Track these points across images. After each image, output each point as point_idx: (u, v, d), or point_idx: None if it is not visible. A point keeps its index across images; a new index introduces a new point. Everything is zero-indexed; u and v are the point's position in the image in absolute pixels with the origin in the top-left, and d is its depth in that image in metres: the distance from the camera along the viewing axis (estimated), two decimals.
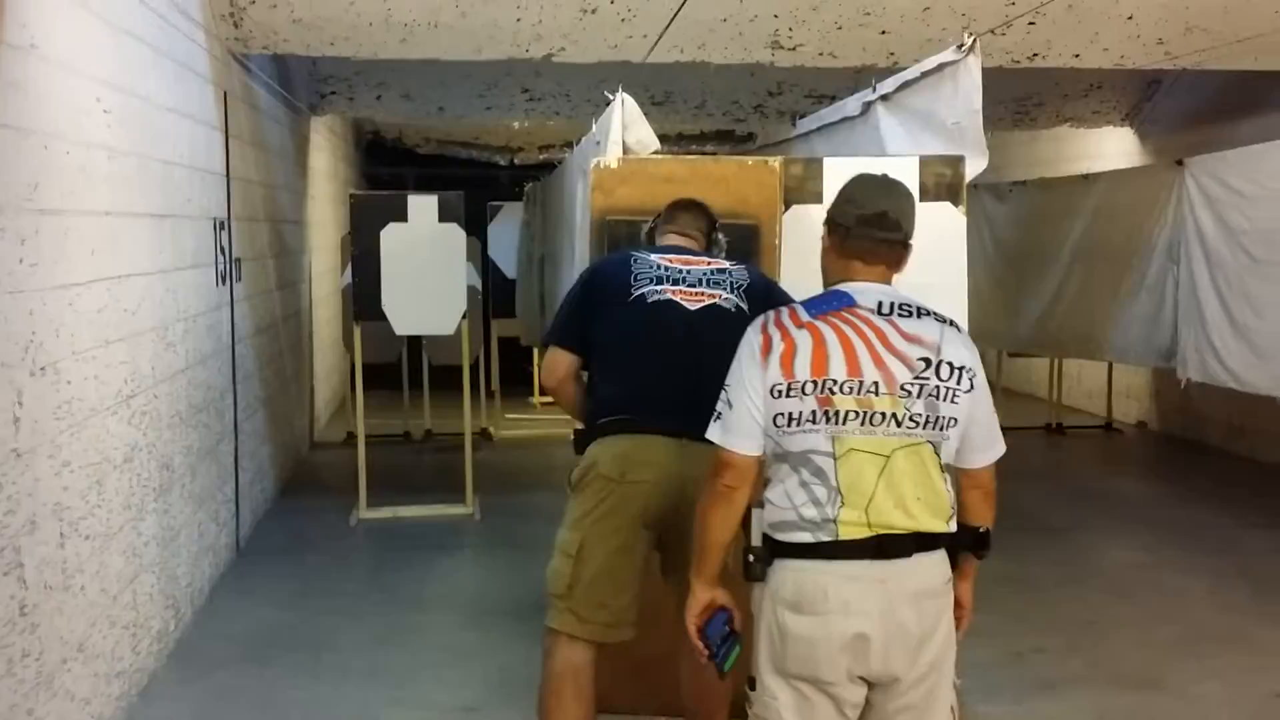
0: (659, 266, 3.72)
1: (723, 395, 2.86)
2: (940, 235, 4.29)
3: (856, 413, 2.70)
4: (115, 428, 4.47)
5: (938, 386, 2.74)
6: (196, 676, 5.03)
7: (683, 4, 6.11)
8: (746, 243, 4.32)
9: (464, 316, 7.68)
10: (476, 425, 9.17)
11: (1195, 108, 10.14)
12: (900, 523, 2.72)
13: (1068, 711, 4.73)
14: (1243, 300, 7.10)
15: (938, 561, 2.79)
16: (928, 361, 2.74)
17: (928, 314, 2.83)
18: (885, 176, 2.98)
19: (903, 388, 2.72)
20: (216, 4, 6.20)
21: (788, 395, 2.74)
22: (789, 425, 2.74)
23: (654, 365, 3.59)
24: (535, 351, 11.64)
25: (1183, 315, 7.69)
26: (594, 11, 6.26)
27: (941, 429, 2.75)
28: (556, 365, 3.81)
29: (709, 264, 3.78)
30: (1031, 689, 4.92)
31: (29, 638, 3.59)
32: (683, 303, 3.65)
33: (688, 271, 3.71)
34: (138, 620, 4.72)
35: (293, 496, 8.31)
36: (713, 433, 2.85)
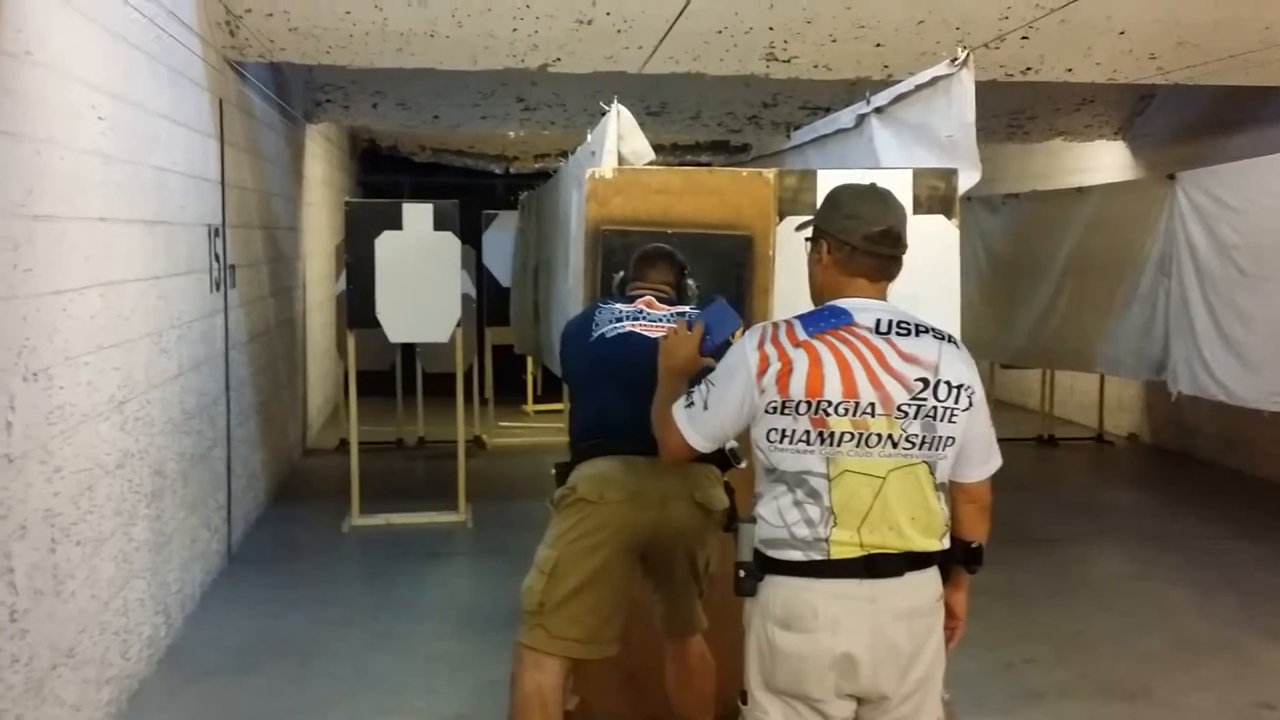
0: (620, 311, 3.80)
1: (702, 389, 2.85)
2: (933, 247, 4.31)
3: (852, 434, 2.67)
4: (107, 433, 4.47)
5: (935, 407, 2.71)
6: (187, 683, 5.02)
7: (678, 16, 6.14)
8: (740, 254, 4.34)
9: (458, 324, 7.69)
10: (469, 433, 9.17)
11: (1187, 122, 10.18)
12: (893, 543, 2.70)
13: None
14: (1233, 314, 7.12)
15: (929, 579, 2.78)
16: (925, 382, 2.71)
17: (926, 331, 2.78)
18: (875, 187, 2.90)
19: (899, 409, 2.68)
20: (213, 11, 6.21)
21: (781, 413, 2.71)
22: (780, 441, 2.72)
23: (622, 391, 3.61)
24: (529, 360, 11.67)
25: (1174, 328, 7.72)
26: (590, 23, 6.29)
27: (938, 449, 2.73)
28: None
29: (670, 310, 3.81)
30: (1020, 699, 4.94)
31: (19, 643, 3.59)
32: (643, 332, 3.70)
33: (649, 313, 3.78)
34: (128, 626, 4.72)
35: (285, 503, 8.31)
36: (678, 413, 2.89)
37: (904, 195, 4.32)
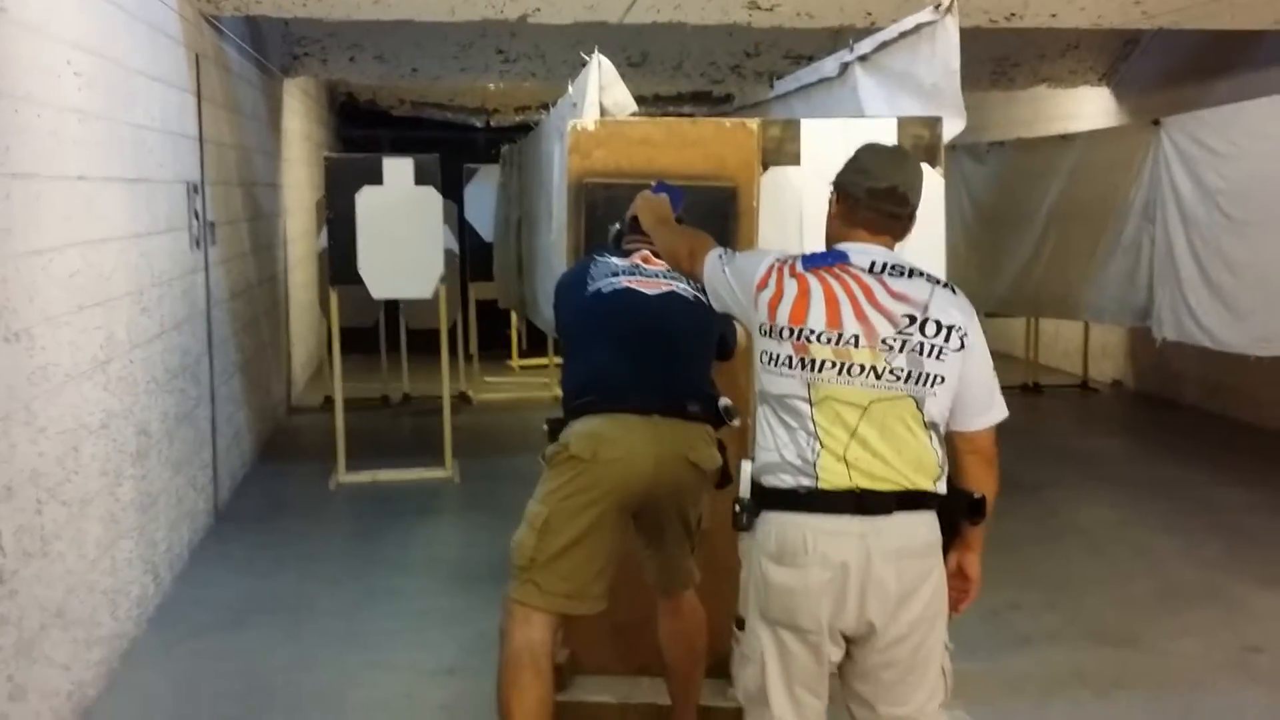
0: (616, 265, 3.77)
1: (730, 257, 3.07)
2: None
3: (833, 363, 2.77)
4: (91, 393, 4.45)
5: (921, 342, 2.78)
6: (177, 641, 5.03)
7: None
8: (724, 205, 4.31)
9: (441, 280, 7.66)
10: (455, 389, 9.15)
11: (1171, 67, 10.15)
12: (880, 473, 2.77)
13: (1043, 667, 4.78)
14: (1218, 259, 7.14)
15: (922, 522, 2.82)
16: (912, 318, 2.78)
17: (920, 275, 2.87)
18: (899, 148, 3.09)
19: (884, 342, 2.77)
20: None
21: (769, 336, 2.85)
22: (769, 364, 2.85)
23: (617, 348, 3.60)
24: (513, 314, 11.65)
25: (1158, 274, 7.73)
26: None
27: (925, 384, 2.78)
28: None
29: (666, 266, 3.74)
30: (1007, 645, 4.97)
31: (7, 604, 3.58)
32: (640, 289, 3.68)
33: (645, 268, 3.74)
34: (117, 586, 4.72)
35: (271, 461, 8.29)
36: (711, 259, 3.10)
37: (889, 143, 4.31)
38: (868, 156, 2.98)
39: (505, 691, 3.46)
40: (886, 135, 4.28)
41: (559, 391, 3.93)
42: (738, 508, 2.90)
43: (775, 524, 2.83)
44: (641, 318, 3.65)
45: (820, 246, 3.01)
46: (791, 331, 2.80)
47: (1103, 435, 9.62)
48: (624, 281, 3.71)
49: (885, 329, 2.77)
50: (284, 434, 9.24)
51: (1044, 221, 9.24)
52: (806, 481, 2.78)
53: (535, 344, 11.92)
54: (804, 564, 2.78)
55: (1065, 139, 9.43)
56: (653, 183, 3.87)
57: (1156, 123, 7.79)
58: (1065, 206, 8.99)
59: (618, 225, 3.95)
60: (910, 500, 2.79)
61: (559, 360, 5.09)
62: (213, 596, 5.57)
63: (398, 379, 10.53)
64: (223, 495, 6.95)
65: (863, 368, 2.77)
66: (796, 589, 2.79)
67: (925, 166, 4.41)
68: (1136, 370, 11.07)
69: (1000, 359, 10.40)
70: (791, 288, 2.83)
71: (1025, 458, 8.29)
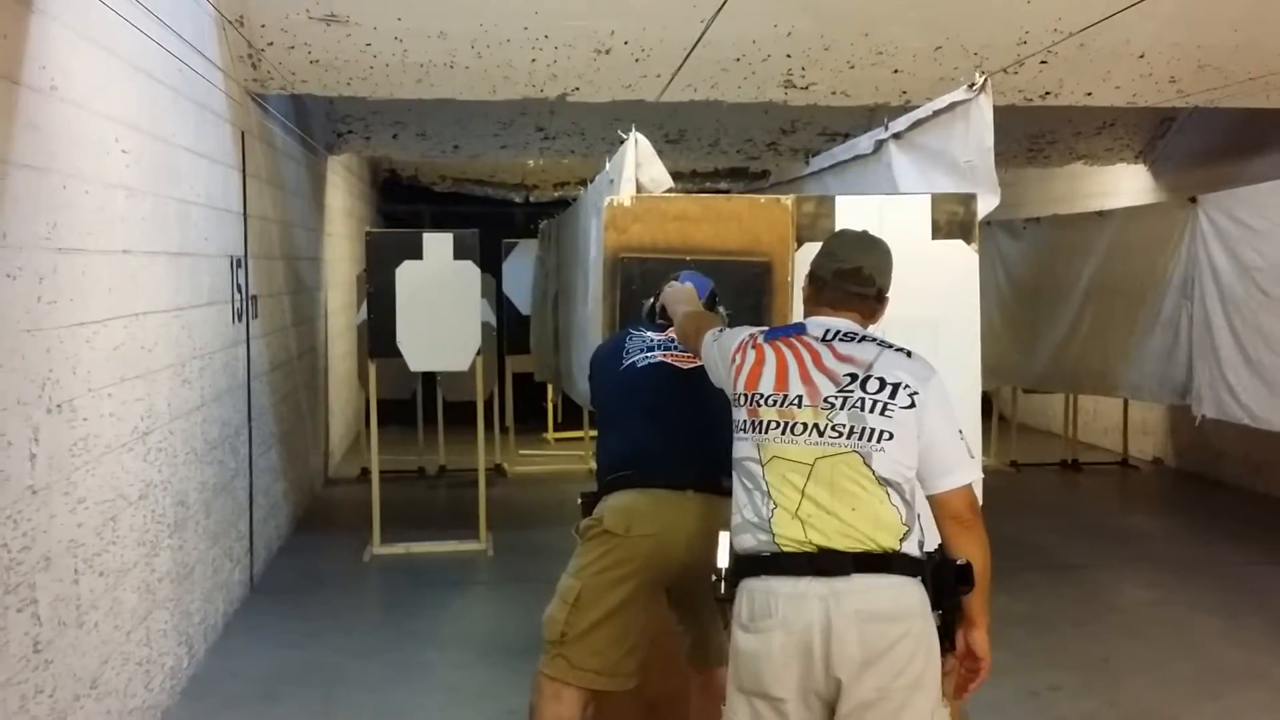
0: (651, 340, 3.81)
1: (719, 335, 3.25)
2: (952, 272, 4.31)
3: (778, 423, 2.89)
4: (130, 464, 4.49)
5: (862, 398, 2.86)
6: (209, 714, 5.03)
7: (695, 44, 6.16)
8: (759, 280, 4.33)
9: (478, 352, 7.71)
10: (490, 461, 9.17)
11: (1208, 145, 10.15)
12: (835, 530, 2.79)
13: None
14: (1256, 336, 7.08)
15: (890, 585, 2.80)
16: (854, 376, 2.89)
17: (873, 341, 2.98)
18: (866, 233, 3.17)
19: (825, 400, 2.87)
20: (235, 45, 6.27)
21: (735, 404, 3.02)
22: (735, 430, 3.01)
23: (652, 422, 3.63)
24: (549, 387, 11.68)
25: (1197, 351, 7.68)
26: (608, 52, 6.32)
27: (869, 439, 2.83)
28: None
29: None
30: None
31: (42, 674, 3.60)
32: (675, 364, 3.71)
33: (680, 344, 3.76)
34: (151, 657, 4.73)
35: (307, 532, 8.32)
36: (708, 338, 3.27)
37: (923, 220, 4.34)
38: (836, 242, 3.17)
39: None
40: (920, 212, 4.31)
41: (594, 465, 3.95)
42: (715, 577, 2.97)
43: (745, 590, 2.88)
44: (676, 392, 3.66)
45: None
46: (746, 398, 2.96)
47: (1143, 514, 9.50)
48: (659, 356, 3.73)
49: (827, 388, 2.88)
50: (320, 505, 9.28)
51: (1081, 298, 9.21)
52: (765, 537, 2.84)
53: (571, 417, 11.94)
54: (768, 629, 2.80)
55: (1102, 215, 9.42)
56: (678, 275, 4.00)
57: (1193, 200, 7.77)
58: (1102, 283, 8.96)
59: (652, 300, 3.99)
60: (872, 561, 2.79)
61: (594, 433, 5.11)
62: (245, 668, 5.57)
63: (434, 451, 10.56)
64: (258, 566, 6.97)
65: (805, 426, 2.86)
66: (762, 655, 2.80)
67: (960, 243, 4.46)
68: (1177, 447, 10.96)
69: (1039, 436, 10.31)
70: (751, 357, 3.00)
71: (1064, 536, 8.21)
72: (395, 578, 7.28)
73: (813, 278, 3.12)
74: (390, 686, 5.35)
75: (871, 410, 2.84)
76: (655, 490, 3.54)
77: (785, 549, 2.81)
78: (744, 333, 3.14)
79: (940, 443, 2.90)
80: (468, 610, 6.74)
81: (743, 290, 4.18)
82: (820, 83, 6.83)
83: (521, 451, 11.38)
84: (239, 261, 6.48)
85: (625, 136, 4.90)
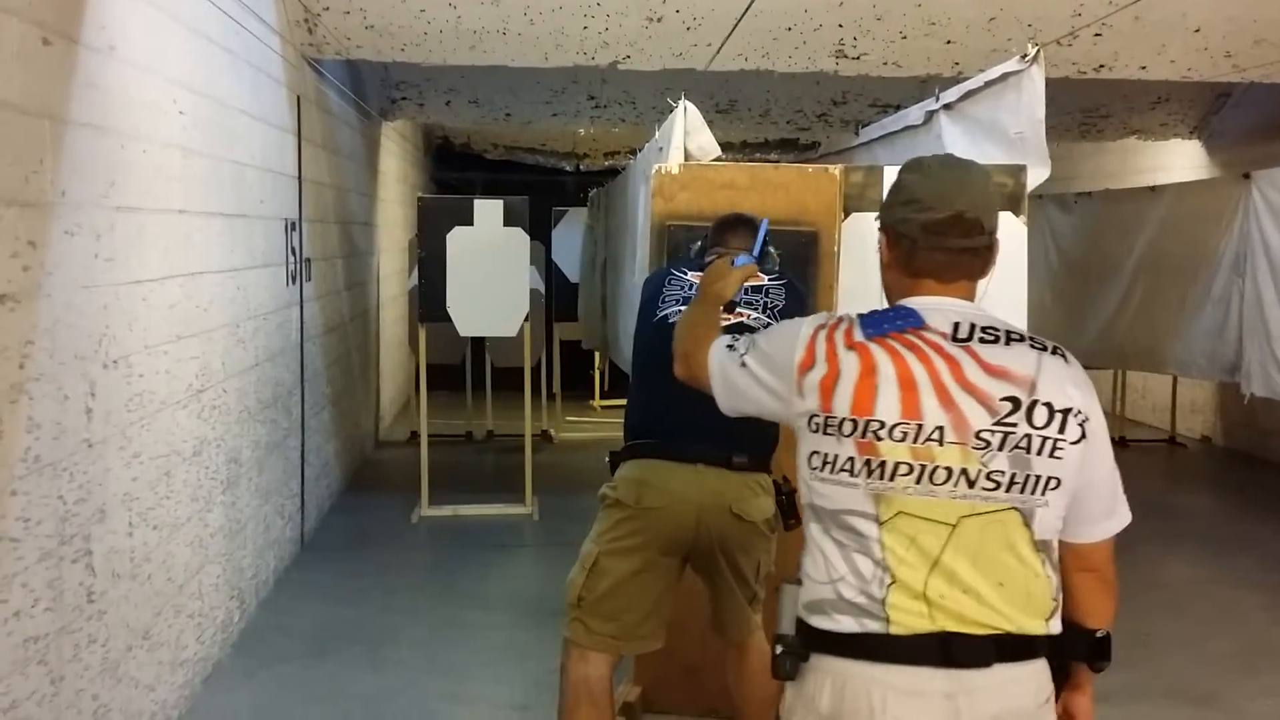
0: (690, 286, 3.64)
1: (747, 340, 2.37)
2: (1000, 245, 4.30)
3: (910, 466, 2.08)
4: (185, 421, 4.58)
5: (1029, 436, 2.09)
6: (259, 667, 5.14)
7: (745, 12, 6.16)
8: (805, 250, 4.36)
9: (526, 319, 7.77)
10: (537, 427, 9.25)
11: (1263, 121, 10.02)
12: (973, 614, 2.08)
13: None
14: None
15: (1031, 674, 2.14)
16: (1016, 402, 2.09)
17: (1021, 339, 2.17)
18: (948, 158, 2.37)
19: (979, 436, 2.08)
20: (291, 9, 6.33)
21: (824, 431, 2.15)
22: (823, 470, 2.15)
23: (670, 389, 3.54)
24: (596, 355, 11.74)
25: (1247, 329, 7.63)
26: (659, 20, 6.33)
27: (1035, 492, 2.10)
28: None
29: (748, 290, 3.67)
30: None
31: (96, 624, 3.70)
32: None
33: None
34: (203, 610, 4.84)
35: (357, 493, 8.44)
36: (715, 351, 2.42)
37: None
38: (915, 181, 2.25)
39: None
40: None
41: None
42: (779, 648, 2.20)
43: (831, 675, 2.13)
44: None
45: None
46: (854, 425, 2.10)
47: (1189, 491, 9.44)
48: None
49: (980, 419, 2.08)
50: (370, 467, 9.40)
51: (1131, 273, 9.15)
52: (874, 625, 2.09)
53: (617, 384, 11.99)
54: None
55: (1154, 190, 9.35)
56: (734, 258, 2.98)
57: (1247, 176, 7.70)
58: (1153, 259, 8.90)
59: (700, 241, 3.91)
60: (1015, 647, 2.10)
61: None
62: (295, 624, 5.68)
63: (482, 416, 10.66)
64: (309, 525, 7.09)
65: (949, 472, 2.07)
66: None
67: (1009, 215, 4.47)
68: (1225, 426, 10.87)
69: None
70: (851, 364, 2.13)
71: None
72: (442, 539, 7.38)
73: (895, 236, 2.24)
74: (437, 644, 5.44)
75: (1040, 452, 2.09)
76: (665, 462, 3.52)
77: (900, 633, 2.08)
78: (805, 324, 2.24)
79: (1100, 480, 2.20)
80: (513, 572, 6.83)
81: (788, 260, 4.20)
82: (872, 53, 6.81)
83: (568, 418, 11.46)
84: (293, 225, 6.57)
85: (675, 105, 4.93)
